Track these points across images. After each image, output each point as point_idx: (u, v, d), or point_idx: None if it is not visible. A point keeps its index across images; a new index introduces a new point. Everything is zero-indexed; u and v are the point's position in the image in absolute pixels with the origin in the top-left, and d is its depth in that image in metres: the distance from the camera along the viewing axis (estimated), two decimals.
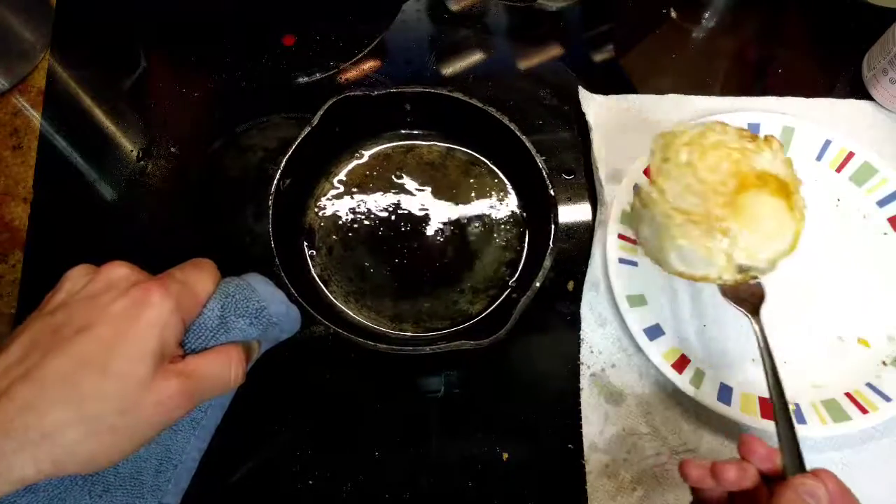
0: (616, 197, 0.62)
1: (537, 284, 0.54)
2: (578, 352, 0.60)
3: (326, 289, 0.59)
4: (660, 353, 0.57)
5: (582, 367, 0.59)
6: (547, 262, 0.55)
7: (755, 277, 0.52)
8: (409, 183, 0.62)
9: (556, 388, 0.59)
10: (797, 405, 0.56)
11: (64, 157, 0.67)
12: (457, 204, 0.62)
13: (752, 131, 0.65)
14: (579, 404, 0.58)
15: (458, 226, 0.62)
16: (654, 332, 0.58)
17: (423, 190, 0.63)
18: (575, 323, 0.61)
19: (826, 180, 0.65)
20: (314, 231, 0.61)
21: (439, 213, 0.62)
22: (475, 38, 0.75)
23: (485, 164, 0.64)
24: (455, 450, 0.57)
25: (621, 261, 0.60)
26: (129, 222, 0.64)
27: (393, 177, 0.63)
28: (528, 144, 0.58)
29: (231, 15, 0.75)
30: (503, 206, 0.63)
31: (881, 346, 0.60)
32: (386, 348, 0.52)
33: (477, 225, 0.62)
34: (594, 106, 0.68)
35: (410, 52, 0.74)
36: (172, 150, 0.67)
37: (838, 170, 0.65)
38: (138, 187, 0.66)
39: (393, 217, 0.62)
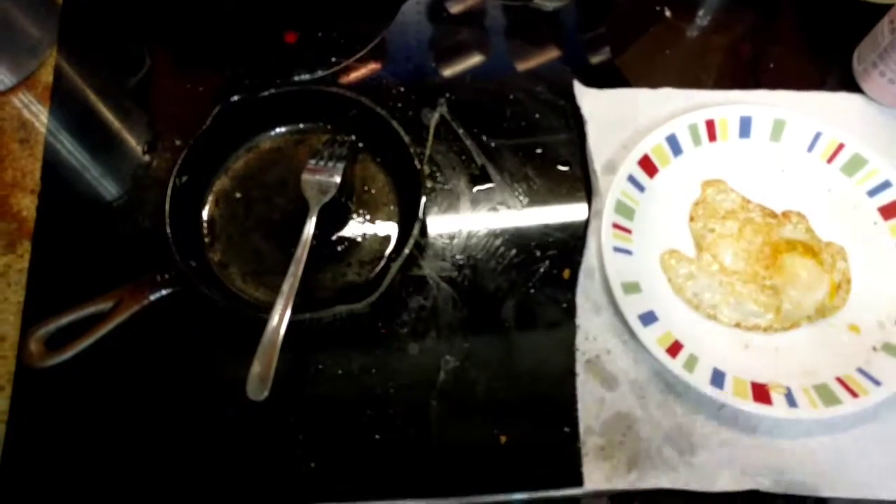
0: (611, 187, 0.64)
1: (405, 252, 0.59)
2: (574, 339, 0.61)
3: (226, 271, 0.63)
4: (654, 339, 0.58)
5: (578, 353, 0.60)
6: (415, 231, 0.60)
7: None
8: (299, 171, 0.65)
9: (552, 373, 0.60)
10: (788, 389, 0.57)
11: (70, 151, 0.68)
12: (343, 186, 0.65)
13: (745, 124, 0.67)
14: (575, 389, 0.59)
15: (345, 206, 0.66)
16: (648, 318, 0.59)
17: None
18: (571, 310, 0.62)
19: (817, 171, 0.67)
20: (214, 221, 0.65)
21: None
22: (473, 37, 0.77)
23: (368, 148, 0.68)
24: (453, 433, 0.58)
25: (616, 249, 0.61)
26: (135, 214, 0.65)
27: (284, 166, 0.67)
28: (395, 125, 0.63)
29: (234, 13, 0.77)
30: (385, 184, 0.67)
31: (871, 333, 0.61)
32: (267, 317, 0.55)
33: (362, 204, 0.66)
34: (589, 100, 0.69)
35: (410, 50, 0.76)
36: (177, 143, 0.68)
37: (829, 161, 0.66)
38: (143, 180, 0.67)
39: (285, 202, 0.65)
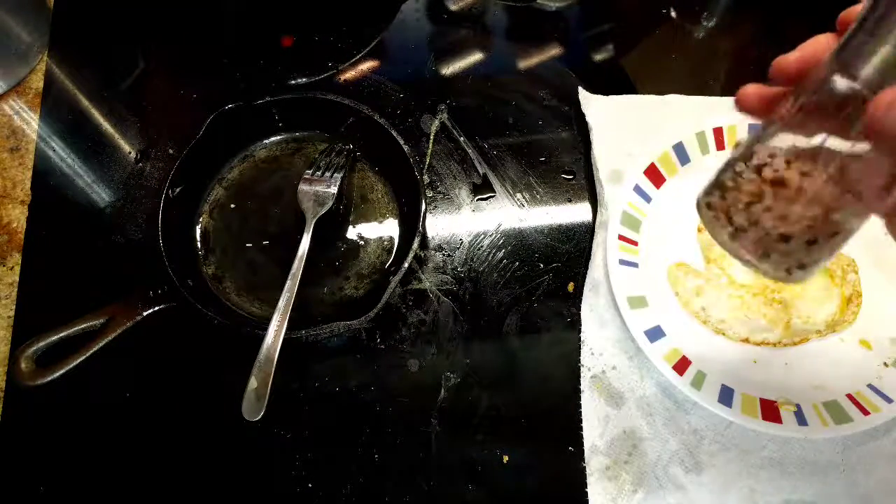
0: (616, 198, 0.62)
1: (405, 265, 0.57)
2: (579, 354, 0.59)
3: (221, 285, 0.61)
4: (661, 355, 0.57)
5: (582, 368, 0.59)
6: (415, 244, 0.58)
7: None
8: (296, 181, 0.63)
9: (556, 390, 0.59)
10: (798, 406, 0.56)
11: (62, 159, 0.66)
12: (341, 196, 0.63)
13: (754, 131, 0.65)
14: (580, 406, 0.58)
15: (342, 217, 0.64)
16: (655, 333, 0.58)
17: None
18: (575, 325, 0.60)
19: None
20: (208, 233, 0.63)
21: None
22: (474, 37, 0.75)
23: (367, 158, 0.67)
24: (455, 452, 0.56)
25: (622, 262, 0.60)
26: (128, 225, 0.64)
27: (281, 176, 0.65)
28: (395, 133, 0.62)
29: (229, 16, 0.75)
30: (384, 195, 0.65)
31: (882, 348, 0.59)
32: (263, 333, 0.54)
33: (360, 215, 0.64)
34: (594, 106, 0.68)
35: (409, 52, 0.74)
36: (170, 151, 0.67)
37: None
38: (136, 190, 0.66)
39: (281, 214, 0.64)
